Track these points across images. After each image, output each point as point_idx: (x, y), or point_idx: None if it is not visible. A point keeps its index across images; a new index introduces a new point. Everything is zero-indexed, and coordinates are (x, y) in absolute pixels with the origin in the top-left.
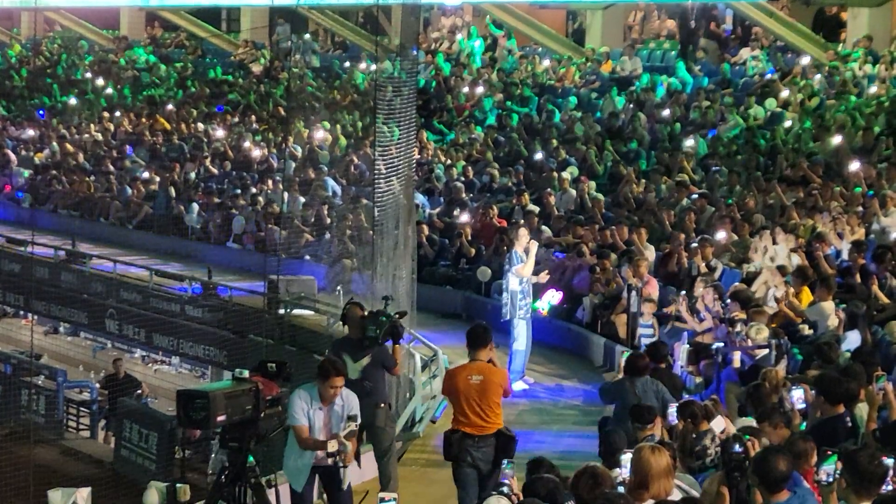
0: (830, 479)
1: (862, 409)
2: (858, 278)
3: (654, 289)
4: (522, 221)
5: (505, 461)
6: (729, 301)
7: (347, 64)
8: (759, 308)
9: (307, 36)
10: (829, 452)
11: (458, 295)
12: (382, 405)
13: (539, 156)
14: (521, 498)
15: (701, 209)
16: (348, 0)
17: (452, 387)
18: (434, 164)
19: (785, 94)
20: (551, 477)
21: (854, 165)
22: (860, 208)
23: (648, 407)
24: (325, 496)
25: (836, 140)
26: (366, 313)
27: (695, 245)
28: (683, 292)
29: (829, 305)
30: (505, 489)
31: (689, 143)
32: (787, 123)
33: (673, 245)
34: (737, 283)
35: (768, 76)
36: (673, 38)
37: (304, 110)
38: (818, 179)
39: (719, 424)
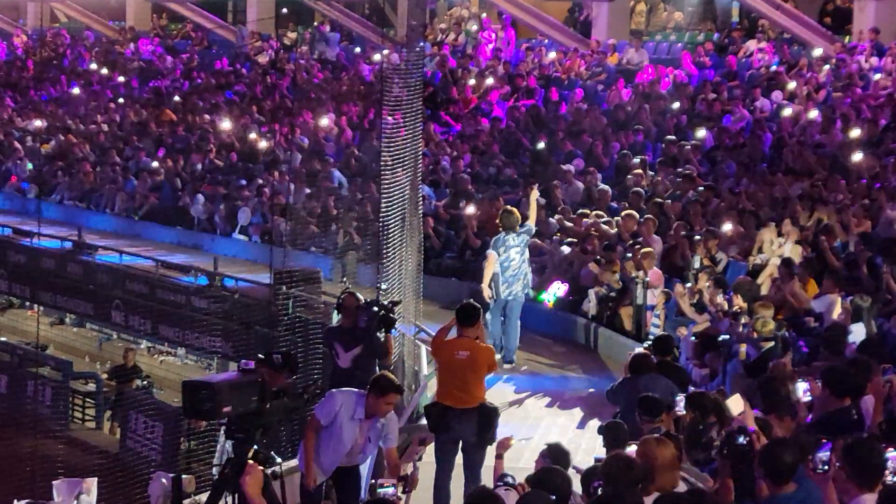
0: (826, 468)
1: (868, 402)
2: (866, 271)
3: (658, 281)
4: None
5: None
6: (731, 293)
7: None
8: (764, 300)
9: (326, 27)
10: (823, 440)
11: (464, 286)
12: None
13: (541, 145)
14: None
15: (707, 201)
16: None
17: (438, 359)
18: (440, 155)
19: (791, 86)
20: (559, 469)
21: (857, 157)
22: (865, 200)
23: (656, 399)
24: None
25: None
26: (361, 303)
27: (697, 238)
28: (689, 284)
29: (835, 298)
30: (509, 479)
31: (700, 134)
32: (788, 111)
33: (677, 237)
34: (741, 276)
35: (773, 68)
36: (680, 31)
37: (310, 101)
38: (822, 171)
39: (738, 404)
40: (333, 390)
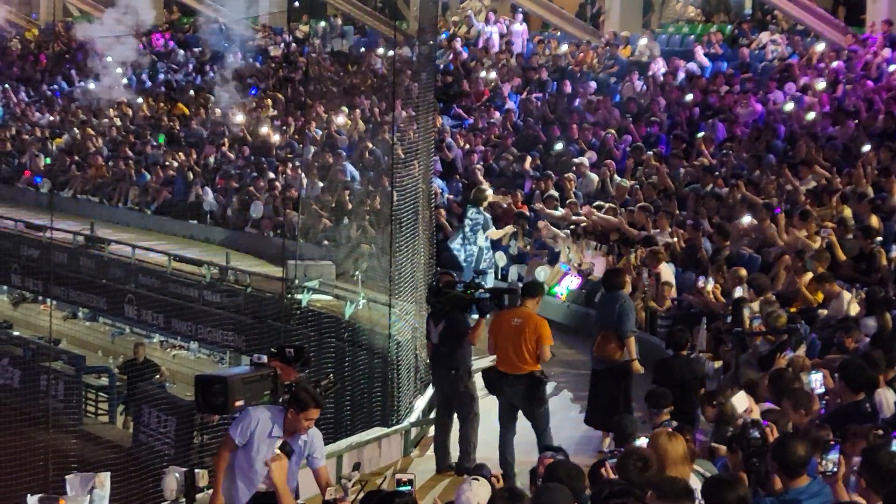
0: (836, 469)
1: (881, 394)
2: (884, 261)
3: (667, 275)
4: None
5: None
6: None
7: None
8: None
9: (339, 21)
10: (832, 442)
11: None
12: (454, 371)
13: (559, 146)
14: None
15: (722, 194)
16: None
17: (497, 328)
18: (449, 145)
19: (804, 78)
20: (573, 463)
21: (865, 148)
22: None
23: (663, 391)
24: None
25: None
26: (457, 281)
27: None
28: (703, 278)
29: (845, 292)
30: (485, 471)
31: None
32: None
33: (690, 230)
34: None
35: (788, 60)
36: (693, 23)
37: (322, 95)
38: (826, 163)
39: (742, 402)
40: (249, 407)
